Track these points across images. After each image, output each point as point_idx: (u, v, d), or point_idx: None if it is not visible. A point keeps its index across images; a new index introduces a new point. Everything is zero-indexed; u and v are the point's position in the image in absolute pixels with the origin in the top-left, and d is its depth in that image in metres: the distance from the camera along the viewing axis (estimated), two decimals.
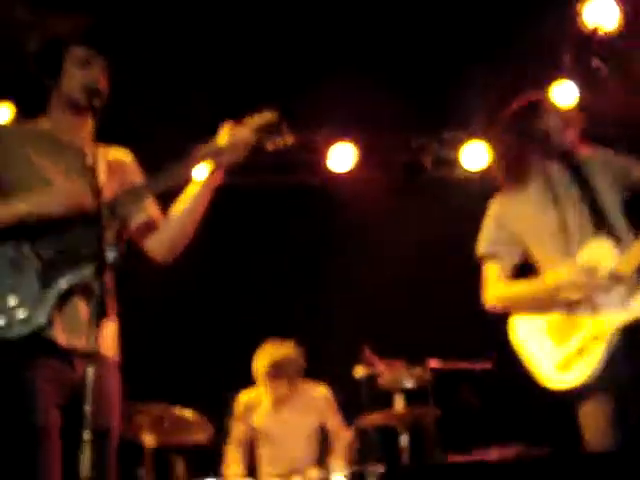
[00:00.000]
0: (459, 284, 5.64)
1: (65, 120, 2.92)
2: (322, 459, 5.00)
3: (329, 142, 5.91)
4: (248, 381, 5.21)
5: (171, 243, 2.98)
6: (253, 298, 6.03)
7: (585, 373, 3.06)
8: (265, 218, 6.14)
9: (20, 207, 2.68)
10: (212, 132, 2.94)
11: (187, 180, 2.88)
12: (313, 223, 6.18)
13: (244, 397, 5.17)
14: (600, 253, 3.11)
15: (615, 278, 3.05)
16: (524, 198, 3.29)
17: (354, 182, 6.05)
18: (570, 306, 3.14)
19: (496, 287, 3.31)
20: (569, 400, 3.14)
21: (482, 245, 3.37)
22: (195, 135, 2.99)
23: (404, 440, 4.58)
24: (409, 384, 4.68)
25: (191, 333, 5.92)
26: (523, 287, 3.26)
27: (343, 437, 4.99)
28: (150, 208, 3.02)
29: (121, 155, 3.08)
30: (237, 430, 5.10)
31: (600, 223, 3.12)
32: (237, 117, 2.97)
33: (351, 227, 5.99)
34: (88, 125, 2.88)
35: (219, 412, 5.02)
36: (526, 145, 3.28)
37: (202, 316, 5.98)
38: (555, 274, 3.14)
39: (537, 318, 3.25)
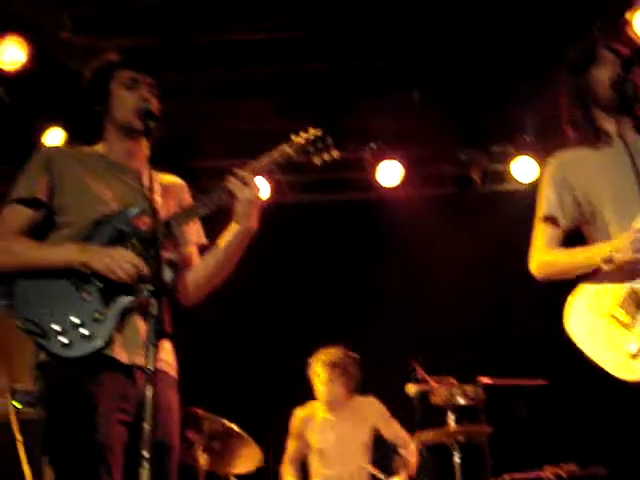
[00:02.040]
0: (511, 299, 5.64)
1: (120, 144, 2.95)
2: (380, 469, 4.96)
3: (378, 158, 5.92)
4: (299, 400, 5.23)
5: (201, 286, 3.00)
6: (305, 315, 6.04)
7: None
8: (318, 234, 6.15)
9: (64, 259, 2.73)
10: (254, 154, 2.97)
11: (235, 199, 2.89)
12: (364, 239, 6.19)
13: (300, 413, 5.17)
14: None
15: None
16: (595, 158, 3.10)
17: (404, 197, 6.05)
18: (632, 279, 2.93)
19: (545, 252, 3.11)
20: None
21: (542, 208, 3.15)
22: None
23: (457, 458, 4.55)
24: (462, 401, 4.65)
25: (242, 350, 5.95)
26: (578, 254, 3.04)
27: (408, 442, 4.92)
28: (191, 246, 3.04)
29: (175, 180, 3.13)
30: (292, 447, 5.11)
31: None
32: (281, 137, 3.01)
33: (402, 242, 5.99)
34: (143, 148, 2.92)
35: (270, 429, 5.03)
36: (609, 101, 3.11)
37: (254, 333, 6.01)
38: (613, 243, 2.93)
39: (598, 301, 3.00)
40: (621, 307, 2.98)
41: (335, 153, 2.98)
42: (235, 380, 5.74)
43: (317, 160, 2.99)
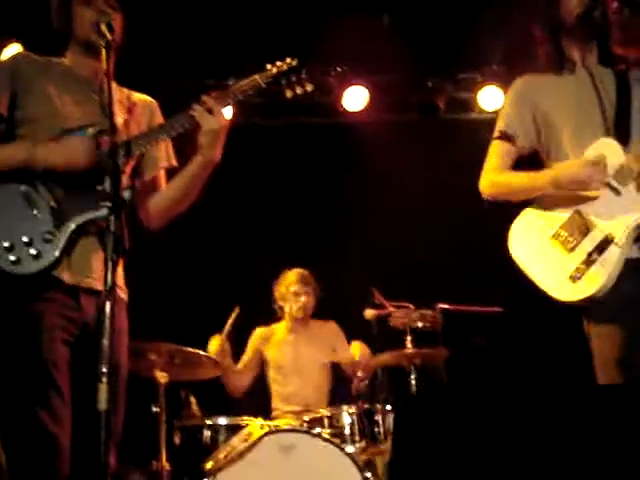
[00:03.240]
0: (474, 227, 5.69)
1: (84, 61, 2.92)
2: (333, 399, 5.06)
3: (344, 82, 5.89)
4: (259, 321, 5.29)
5: (163, 211, 3.02)
6: (266, 235, 6.07)
7: (597, 282, 2.85)
8: (280, 158, 6.15)
9: (20, 155, 2.71)
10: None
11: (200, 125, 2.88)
12: (328, 164, 6.19)
13: (259, 331, 5.27)
14: (608, 150, 2.94)
15: (623, 174, 2.89)
16: (560, 84, 3.11)
17: (368, 122, 6.04)
18: (576, 204, 2.96)
19: (498, 172, 3.12)
20: (580, 316, 2.96)
21: (500, 124, 3.17)
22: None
23: (413, 379, 4.64)
24: (419, 324, 4.73)
25: (201, 269, 5.96)
26: (526, 176, 3.05)
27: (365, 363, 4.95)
28: (157, 169, 3.05)
29: (146, 98, 3.10)
30: (246, 356, 5.20)
31: (622, 133, 2.98)
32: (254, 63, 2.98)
33: (365, 168, 6.00)
34: (108, 64, 2.89)
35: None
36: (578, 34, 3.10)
37: (215, 250, 6.01)
38: (561, 166, 2.97)
39: (542, 224, 3.04)
40: (563, 228, 3.02)
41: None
42: (190, 305, 5.77)
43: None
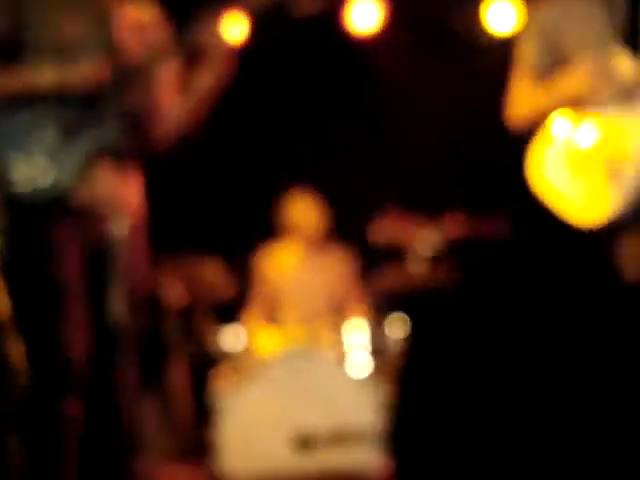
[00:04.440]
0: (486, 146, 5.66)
1: None
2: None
3: None
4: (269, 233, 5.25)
5: (170, 131, 2.97)
6: (275, 156, 6.02)
7: (617, 201, 2.85)
8: (292, 75, 6.03)
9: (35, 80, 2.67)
10: None
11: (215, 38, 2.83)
12: (341, 81, 6.09)
13: (264, 255, 5.21)
14: (619, 62, 2.90)
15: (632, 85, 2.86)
16: (577, 10, 3.04)
17: (380, 40, 5.94)
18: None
19: (527, 98, 3.08)
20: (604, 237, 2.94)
21: (525, 57, 3.12)
22: None
23: None
24: (426, 247, 4.72)
25: (212, 181, 5.91)
26: (550, 93, 3.03)
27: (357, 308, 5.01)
28: (162, 88, 2.96)
29: (142, 14, 3.00)
30: (256, 290, 5.18)
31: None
32: None
33: (377, 86, 5.92)
34: None
35: (243, 264, 5.09)
36: None
37: (223, 163, 5.96)
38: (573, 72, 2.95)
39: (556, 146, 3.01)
40: None
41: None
42: (203, 211, 5.73)
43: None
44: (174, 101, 3.00)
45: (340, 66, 6.06)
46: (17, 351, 2.51)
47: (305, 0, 2.87)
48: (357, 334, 4.40)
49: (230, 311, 5.05)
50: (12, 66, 2.70)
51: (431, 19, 6.02)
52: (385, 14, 5.81)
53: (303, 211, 5.09)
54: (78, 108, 2.67)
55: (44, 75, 2.62)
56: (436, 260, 4.77)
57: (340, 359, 4.31)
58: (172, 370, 4.67)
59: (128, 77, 2.51)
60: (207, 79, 2.82)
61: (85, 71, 2.62)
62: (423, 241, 4.72)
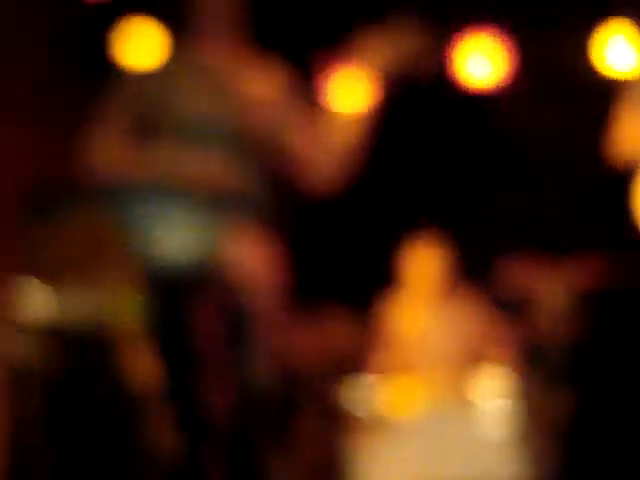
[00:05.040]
0: None
1: (214, 43, 2.89)
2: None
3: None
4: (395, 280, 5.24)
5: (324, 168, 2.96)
6: (405, 196, 5.96)
7: None
8: (416, 120, 5.99)
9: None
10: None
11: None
12: (463, 127, 6.04)
13: (392, 301, 5.08)
14: None
15: None
16: None
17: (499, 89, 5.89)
18: None
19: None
20: None
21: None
22: None
23: None
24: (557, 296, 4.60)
25: (337, 229, 5.91)
26: None
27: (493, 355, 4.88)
28: (293, 134, 2.97)
29: (266, 88, 2.99)
30: (385, 341, 5.14)
31: None
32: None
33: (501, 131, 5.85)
34: (239, 48, 2.91)
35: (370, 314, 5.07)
36: None
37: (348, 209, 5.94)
38: None
39: None
40: None
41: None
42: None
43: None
44: (313, 154, 2.95)
45: (463, 112, 6.04)
46: (165, 419, 2.60)
47: (428, 59, 2.90)
48: (494, 383, 4.30)
49: (358, 363, 5.05)
50: (148, 146, 2.82)
51: (551, 64, 5.96)
52: (504, 63, 5.76)
53: (430, 258, 4.91)
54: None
55: (182, 166, 2.73)
56: (568, 310, 4.66)
57: (477, 412, 4.22)
58: (304, 426, 4.70)
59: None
60: (345, 135, 2.85)
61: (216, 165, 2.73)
62: (553, 289, 4.61)
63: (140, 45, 4.85)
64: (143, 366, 2.86)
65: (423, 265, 4.92)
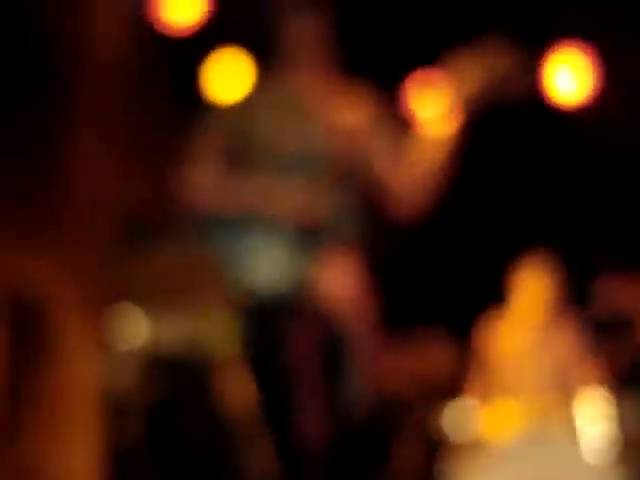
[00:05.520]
0: None
1: (302, 73, 2.93)
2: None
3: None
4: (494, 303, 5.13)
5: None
6: (507, 218, 5.88)
7: None
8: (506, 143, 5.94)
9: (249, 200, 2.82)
10: None
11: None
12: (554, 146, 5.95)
13: (491, 324, 4.98)
14: None
15: None
16: None
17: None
18: None
19: None
20: None
21: None
22: None
23: None
24: None
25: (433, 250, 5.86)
26: None
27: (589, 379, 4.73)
28: (377, 160, 2.96)
29: (353, 117, 3.00)
30: (482, 365, 5.06)
31: None
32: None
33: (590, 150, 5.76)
34: (327, 78, 2.94)
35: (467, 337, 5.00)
36: None
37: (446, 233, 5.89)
38: None
39: None
40: None
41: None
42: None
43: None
44: (399, 180, 2.93)
45: (554, 131, 5.95)
46: (262, 447, 2.62)
47: (518, 79, 2.86)
48: (593, 407, 4.20)
49: (454, 388, 4.99)
50: (240, 176, 2.86)
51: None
52: (591, 80, 5.66)
53: (540, 280, 4.76)
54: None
55: (272, 196, 2.77)
56: None
57: (575, 439, 4.11)
58: (402, 453, 4.66)
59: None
60: (432, 160, 2.83)
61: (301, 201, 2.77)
62: None
63: (229, 77, 4.92)
64: (239, 393, 2.87)
65: (533, 287, 4.79)
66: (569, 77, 5.50)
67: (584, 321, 4.90)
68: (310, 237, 2.79)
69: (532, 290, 4.74)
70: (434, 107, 2.87)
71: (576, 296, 4.97)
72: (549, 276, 4.76)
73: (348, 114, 2.94)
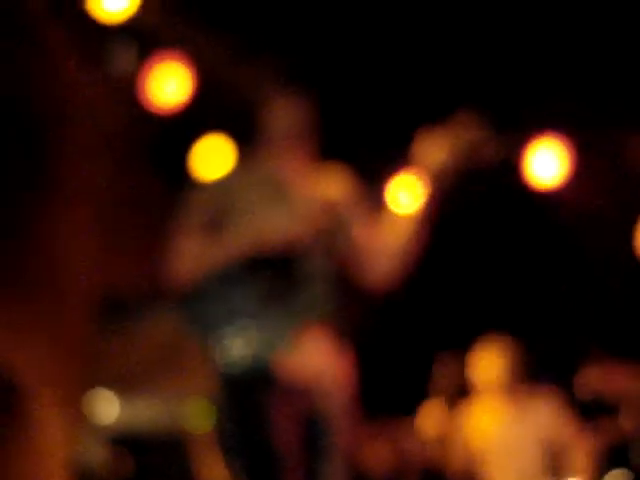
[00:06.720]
0: None
1: (281, 153, 3.00)
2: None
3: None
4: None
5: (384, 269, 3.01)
6: (473, 298, 5.93)
7: None
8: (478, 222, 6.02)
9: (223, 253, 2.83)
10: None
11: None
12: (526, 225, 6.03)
13: (462, 410, 5.01)
14: None
15: None
16: None
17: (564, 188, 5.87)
18: None
19: None
20: None
21: None
22: None
23: None
24: None
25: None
26: None
27: (579, 447, 4.68)
28: (355, 228, 3.03)
29: (333, 192, 3.09)
30: (458, 452, 4.99)
31: None
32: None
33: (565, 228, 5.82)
34: (307, 159, 2.99)
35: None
36: None
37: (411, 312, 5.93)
38: None
39: None
40: None
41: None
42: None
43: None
44: (375, 245, 2.98)
45: (528, 210, 6.02)
46: None
47: (488, 155, 2.92)
48: None
49: (432, 472, 4.94)
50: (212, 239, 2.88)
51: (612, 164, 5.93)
52: (567, 164, 5.76)
53: (495, 361, 4.82)
54: (276, 273, 2.81)
55: (244, 239, 2.77)
56: None
57: None
58: None
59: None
60: (405, 235, 2.87)
61: (282, 233, 2.77)
62: (636, 391, 4.47)
63: (213, 158, 5.02)
64: (215, 473, 2.84)
65: (490, 370, 4.82)
66: (547, 161, 5.60)
67: (566, 404, 4.87)
68: (290, 310, 2.80)
69: (492, 373, 4.76)
70: (406, 184, 2.94)
71: (560, 381, 4.96)
72: (509, 358, 4.78)
73: (325, 190, 2.99)
